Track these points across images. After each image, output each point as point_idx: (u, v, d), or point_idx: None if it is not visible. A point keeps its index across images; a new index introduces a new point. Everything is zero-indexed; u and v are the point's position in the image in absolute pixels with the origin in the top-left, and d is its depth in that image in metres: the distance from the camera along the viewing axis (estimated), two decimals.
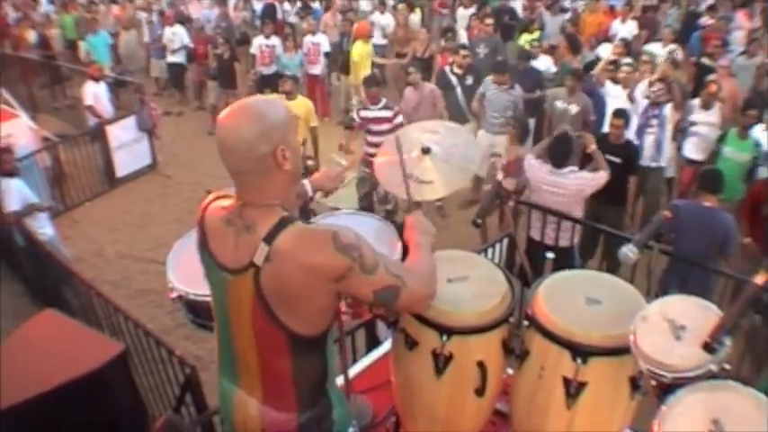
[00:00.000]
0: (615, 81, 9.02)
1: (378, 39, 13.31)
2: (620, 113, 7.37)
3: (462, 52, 10.00)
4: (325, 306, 2.19)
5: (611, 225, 6.66)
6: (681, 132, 8.33)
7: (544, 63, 10.46)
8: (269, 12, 15.19)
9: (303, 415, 2.29)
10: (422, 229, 2.60)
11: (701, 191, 5.76)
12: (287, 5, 16.38)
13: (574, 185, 6.36)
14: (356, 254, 2.11)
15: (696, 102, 8.25)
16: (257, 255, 2.11)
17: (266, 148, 2.12)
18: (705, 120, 8.03)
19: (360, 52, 11.96)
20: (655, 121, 7.91)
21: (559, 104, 8.59)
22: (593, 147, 6.67)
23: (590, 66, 9.86)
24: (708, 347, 2.20)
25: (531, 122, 9.30)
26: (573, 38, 10.95)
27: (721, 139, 7.50)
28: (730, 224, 5.62)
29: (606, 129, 7.77)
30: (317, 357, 2.29)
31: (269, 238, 2.11)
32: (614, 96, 8.83)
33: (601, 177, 6.40)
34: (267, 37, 12.47)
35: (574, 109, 8.43)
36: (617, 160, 6.95)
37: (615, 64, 9.25)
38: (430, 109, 8.80)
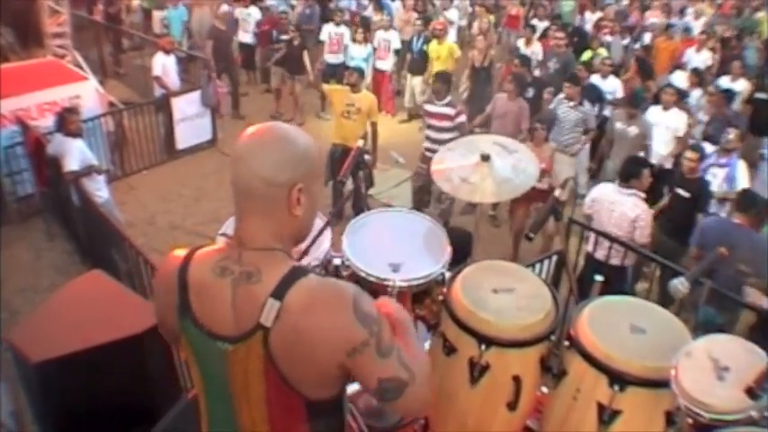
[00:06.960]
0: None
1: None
2: (697, 148, 7.24)
3: (516, 62, 10.33)
4: (336, 375, 1.85)
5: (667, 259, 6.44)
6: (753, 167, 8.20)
7: (612, 84, 10.31)
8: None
9: None
10: (401, 314, 2.09)
11: (737, 211, 5.92)
12: None
13: (638, 208, 6.28)
14: (376, 328, 1.80)
15: None
16: (265, 314, 1.76)
17: (284, 177, 1.83)
18: None
19: (436, 51, 11.96)
20: (720, 173, 7.43)
21: (619, 125, 8.62)
22: None
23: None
24: (751, 393, 2.15)
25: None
26: (644, 62, 10.83)
27: None
28: (759, 241, 5.67)
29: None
30: (335, 417, 1.99)
31: (279, 293, 1.76)
32: (656, 123, 8.77)
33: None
34: (337, 24, 12.54)
35: (633, 131, 8.45)
36: (686, 194, 6.86)
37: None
38: (513, 122, 8.77)
